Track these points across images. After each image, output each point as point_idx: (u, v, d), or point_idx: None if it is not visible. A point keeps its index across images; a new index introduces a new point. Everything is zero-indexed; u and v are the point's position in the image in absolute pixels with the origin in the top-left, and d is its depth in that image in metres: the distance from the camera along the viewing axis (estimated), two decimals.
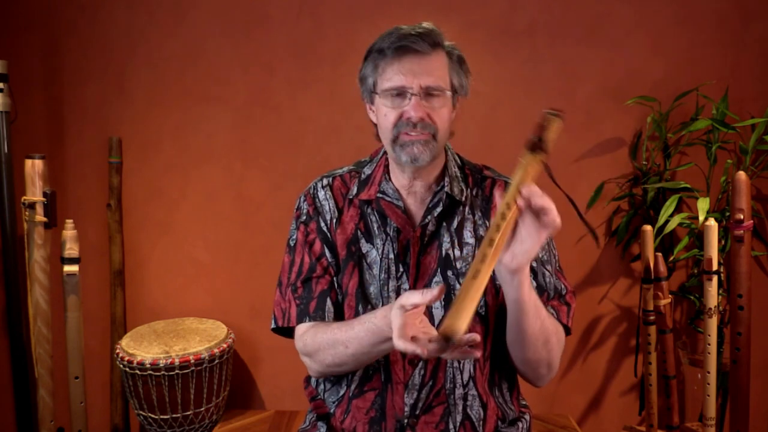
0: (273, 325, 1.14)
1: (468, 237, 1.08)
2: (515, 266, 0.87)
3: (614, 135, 2.05)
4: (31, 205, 1.79)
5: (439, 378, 1.05)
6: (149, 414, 1.82)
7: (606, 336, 2.14)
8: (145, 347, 1.83)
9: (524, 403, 1.22)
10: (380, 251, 1.09)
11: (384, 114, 1.05)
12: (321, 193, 1.15)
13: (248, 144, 2.10)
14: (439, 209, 1.09)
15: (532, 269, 1.05)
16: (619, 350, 2.14)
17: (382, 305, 1.04)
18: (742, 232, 1.48)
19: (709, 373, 1.58)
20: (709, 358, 1.58)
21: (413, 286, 1.06)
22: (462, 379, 1.05)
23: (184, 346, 1.85)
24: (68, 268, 1.87)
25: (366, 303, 1.07)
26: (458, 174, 1.13)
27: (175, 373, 1.77)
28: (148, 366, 1.76)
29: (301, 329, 1.09)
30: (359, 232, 1.11)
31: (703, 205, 1.72)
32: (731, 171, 1.86)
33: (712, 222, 1.54)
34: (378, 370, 1.06)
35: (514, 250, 0.86)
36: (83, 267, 1.94)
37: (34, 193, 1.79)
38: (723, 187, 1.89)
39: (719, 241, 1.67)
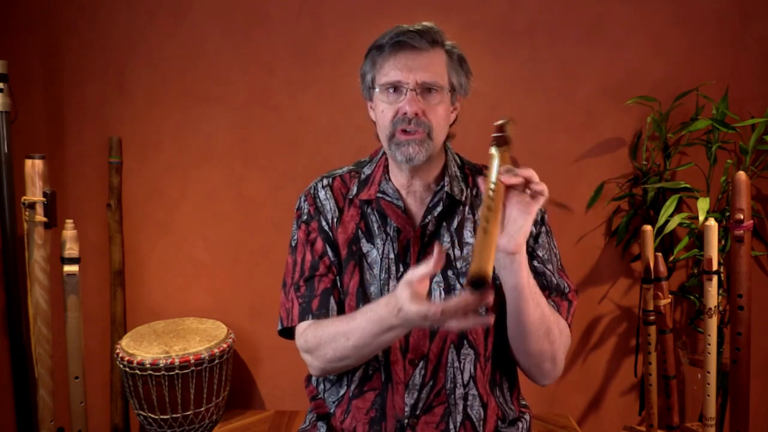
0: (279, 327, 1.13)
1: (468, 237, 1.08)
2: (513, 247, 0.87)
3: (614, 135, 2.05)
4: (31, 205, 1.79)
5: (440, 378, 1.05)
6: (149, 414, 1.82)
7: (606, 336, 2.14)
8: (145, 347, 1.83)
9: (524, 403, 1.22)
10: (380, 251, 1.09)
11: (381, 110, 1.05)
12: (321, 193, 1.15)
13: (248, 144, 2.10)
14: (439, 209, 1.09)
15: (533, 268, 1.06)
16: (619, 350, 2.14)
17: None
18: (742, 232, 1.48)
19: (709, 373, 1.58)
20: (709, 358, 1.58)
21: None
22: (462, 378, 1.05)
23: (184, 346, 1.85)
24: (68, 268, 1.87)
25: (366, 303, 1.06)
26: (458, 174, 1.13)
27: (175, 373, 1.77)
28: (148, 366, 1.76)
29: (302, 327, 1.08)
30: (360, 232, 1.11)
31: (703, 205, 1.72)
32: (731, 171, 1.86)
33: (712, 222, 1.54)
34: (378, 369, 1.06)
35: (509, 231, 0.87)
36: (83, 267, 1.94)
37: (34, 193, 1.79)
38: (723, 187, 1.89)
39: (719, 241, 1.67)
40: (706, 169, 1.92)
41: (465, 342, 1.05)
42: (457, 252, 1.07)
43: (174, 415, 1.82)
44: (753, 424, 1.67)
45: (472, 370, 1.06)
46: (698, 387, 1.86)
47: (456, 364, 1.05)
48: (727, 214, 1.82)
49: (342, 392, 1.11)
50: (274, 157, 2.10)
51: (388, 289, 1.06)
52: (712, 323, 1.57)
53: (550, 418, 1.99)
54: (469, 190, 1.12)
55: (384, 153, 1.15)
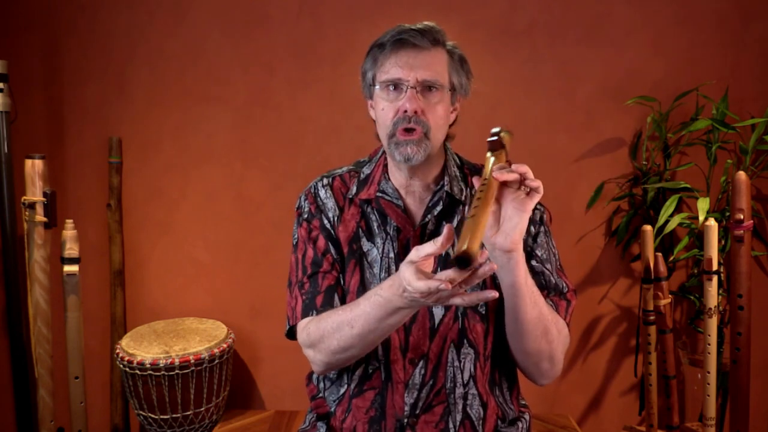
0: (287, 327, 1.12)
1: None
2: (509, 245, 0.87)
3: (614, 135, 2.05)
4: (31, 205, 1.79)
5: (440, 377, 1.05)
6: (149, 414, 1.82)
7: (606, 336, 2.14)
8: (145, 347, 1.83)
9: (524, 402, 1.22)
10: (380, 250, 1.09)
11: (381, 108, 1.06)
12: (322, 192, 1.15)
13: (248, 144, 2.10)
14: (439, 208, 1.09)
15: (532, 267, 1.06)
16: (619, 350, 2.14)
17: None
18: (742, 232, 1.48)
19: (709, 373, 1.58)
20: (709, 358, 1.58)
21: None
22: (462, 378, 1.05)
23: (184, 346, 1.85)
24: (68, 268, 1.87)
25: None
26: (458, 174, 1.13)
27: (175, 373, 1.77)
28: (148, 366, 1.76)
29: (303, 322, 1.07)
30: (360, 231, 1.11)
31: (703, 205, 1.72)
32: (731, 171, 1.86)
33: (712, 222, 1.54)
34: (378, 368, 1.06)
35: (504, 229, 0.87)
36: (83, 267, 1.94)
37: (34, 193, 1.79)
38: (723, 187, 1.89)
39: (719, 241, 1.67)
40: (706, 169, 1.92)
41: (465, 341, 1.05)
42: None
43: (174, 415, 1.82)
44: (753, 424, 1.67)
45: (472, 370, 1.06)
46: (698, 387, 1.86)
47: (456, 363, 1.05)
48: (727, 214, 1.82)
49: (342, 391, 1.10)
50: (274, 157, 2.10)
51: None
52: (712, 323, 1.57)
53: (550, 418, 1.99)
54: (468, 189, 1.13)
55: (383, 153, 1.15)
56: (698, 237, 1.83)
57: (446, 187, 1.10)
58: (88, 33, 2.07)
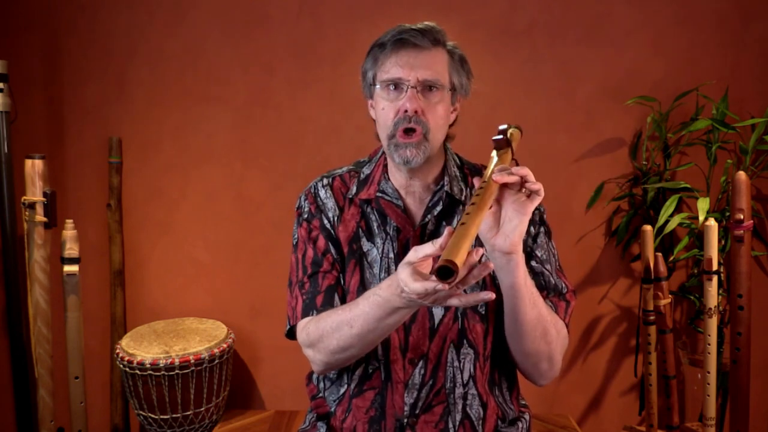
0: (287, 327, 1.12)
1: None
2: (508, 246, 0.87)
3: (614, 135, 2.05)
4: (31, 205, 1.79)
5: (439, 377, 1.05)
6: (149, 414, 1.82)
7: (606, 336, 2.14)
8: (145, 347, 1.83)
9: (524, 402, 1.22)
10: (380, 250, 1.09)
11: (382, 107, 1.06)
12: (322, 192, 1.15)
13: (248, 144, 2.10)
14: (438, 208, 1.09)
15: (531, 268, 1.06)
16: (619, 350, 2.14)
17: None
18: (742, 232, 1.48)
19: (709, 373, 1.58)
20: (709, 358, 1.58)
21: None
22: (462, 378, 1.05)
23: (184, 346, 1.85)
24: (68, 268, 1.87)
25: None
26: (458, 174, 1.13)
27: (175, 373, 1.77)
28: (148, 366, 1.76)
29: (303, 322, 1.07)
30: (360, 231, 1.11)
31: (703, 205, 1.72)
32: (731, 171, 1.86)
33: (712, 222, 1.54)
34: (378, 368, 1.06)
35: (504, 231, 0.87)
36: (83, 267, 1.94)
37: (34, 193, 1.79)
38: (723, 187, 1.89)
39: (719, 241, 1.67)
40: (706, 169, 1.92)
41: (464, 341, 1.05)
42: None
43: (174, 415, 1.82)
44: (753, 424, 1.67)
45: (472, 370, 1.06)
46: (698, 387, 1.86)
47: (455, 363, 1.05)
48: (727, 214, 1.82)
49: (342, 391, 1.10)
50: (274, 157, 2.10)
51: None
52: (712, 323, 1.57)
53: (550, 418, 1.99)
54: (468, 190, 1.12)
55: (383, 153, 1.15)
56: (698, 237, 1.83)
57: (446, 188, 1.10)
58: (88, 33, 2.07)
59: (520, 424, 1.12)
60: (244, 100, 2.09)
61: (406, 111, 1.02)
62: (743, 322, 1.51)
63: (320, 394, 1.17)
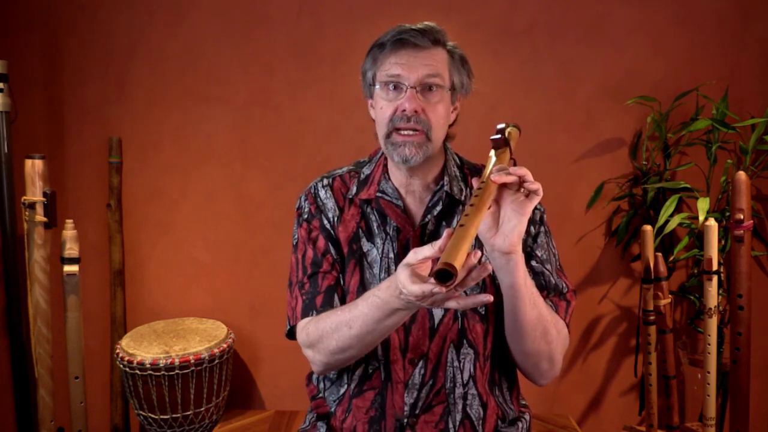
0: (287, 327, 1.12)
1: None
2: (508, 246, 0.87)
3: (614, 135, 2.05)
4: (31, 205, 1.79)
5: (439, 377, 1.05)
6: (149, 414, 1.82)
7: (606, 336, 2.14)
8: (145, 347, 1.83)
9: (524, 402, 1.22)
10: (380, 250, 1.09)
11: (380, 107, 1.06)
12: (322, 192, 1.15)
13: (248, 144, 2.10)
14: (438, 208, 1.09)
15: (531, 268, 1.06)
16: (619, 350, 2.14)
17: None
18: (742, 232, 1.48)
19: (709, 373, 1.58)
20: (709, 358, 1.58)
21: None
22: (462, 378, 1.05)
23: (184, 346, 1.85)
24: (68, 268, 1.87)
25: None
26: (458, 174, 1.13)
27: (175, 373, 1.77)
28: (148, 366, 1.76)
29: (303, 322, 1.07)
30: (360, 231, 1.11)
31: (703, 205, 1.72)
32: (731, 171, 1.86)
33: (712, 222, 1.54)
34: (378, 368, 1.06)
35: (503, 230, 0.87)
36: (83, 267, 1.94)
37: (34, 193, 1.79)
38: (723, 187, 1.89)
39: (719, 241, 1.67)
40: (706, 169, 1.92)
41: (464, 341, 1.05)
42: None
43: (174, 415, 1.82)
44: (753, 424, 1.67)
45: (472, 370, 1.06)
46: (698, 387, 1.86)
47: (456, 363, 1.05)
48: (727, 214, 1.82)
49: (342, 391, 1.10)
50: (274, 157, 2.10)
51: None
52: (712, 323, 1.57)
53: (550, 418, 1.99)
54: (468, 190, 1.13)
55: (383, 153, 1.15)
56: (698, 237, 1.83)
57: (446, 187, 1.10)
58: (88, 33, 2.07)
59: (520, 424, 1.12)
60: (244, 100, 2.09)
61: (404, 110, 1.02)
62: (743, 322, 1.51)
63: (320, 395, 1.17)
